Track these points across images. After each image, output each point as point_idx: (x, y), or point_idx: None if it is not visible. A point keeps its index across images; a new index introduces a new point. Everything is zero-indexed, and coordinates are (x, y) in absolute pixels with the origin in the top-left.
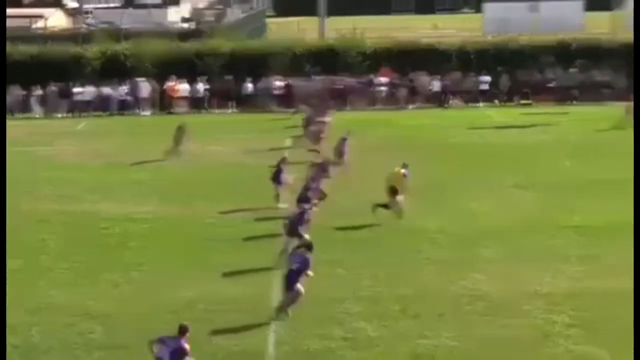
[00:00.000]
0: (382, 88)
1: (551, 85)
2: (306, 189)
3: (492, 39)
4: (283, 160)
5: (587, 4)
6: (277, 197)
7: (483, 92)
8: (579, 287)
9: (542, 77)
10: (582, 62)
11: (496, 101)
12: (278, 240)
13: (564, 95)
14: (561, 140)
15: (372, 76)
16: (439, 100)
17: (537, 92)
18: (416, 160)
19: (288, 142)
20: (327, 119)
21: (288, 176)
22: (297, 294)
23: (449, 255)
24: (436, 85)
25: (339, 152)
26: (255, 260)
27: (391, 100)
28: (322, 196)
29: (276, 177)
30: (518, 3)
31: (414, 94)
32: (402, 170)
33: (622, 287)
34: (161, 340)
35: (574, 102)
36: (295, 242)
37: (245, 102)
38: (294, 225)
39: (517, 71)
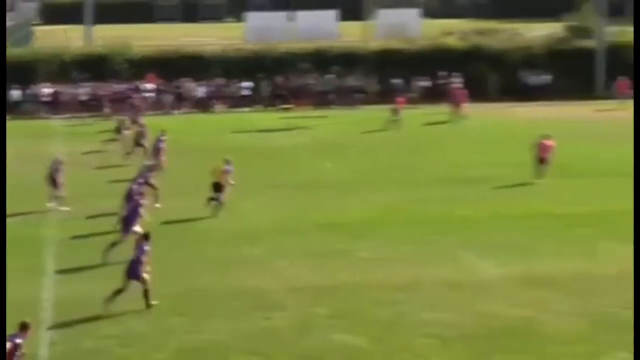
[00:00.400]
0: (149, 94)
1: (311, 89)
2: (133, 188)
3: (253, 46)
4: (57, 162)
5: (340, 14)
6: (52, 199)
7: (245, 97)
8: (336, 281)
9: (301, 83)
10: (338, 68)
11: (258, 106)
12: (50, 242)
13: (321, 100)
14: (321, 142)
15: (138, 82)
16: (204, 105)
17: (297, 97)
18: (185, 164)
19: (100, 146)
20: (142, 121)
21: (62, 178)
22: (144, 281)
23: (217, 253)
24: (201, 91)
25: (156, 152)
26: (28, 263)
27: (158, 105)
28: (153, 193)
29: (51, 180)
30: (277, 13)
31: (180, 100)
32: (225, 167)
33: (373, 280)
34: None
35: (331, 106)
36: (128, 237)
37: (12, 109)
38: (127, 222)
39: (277, 77)
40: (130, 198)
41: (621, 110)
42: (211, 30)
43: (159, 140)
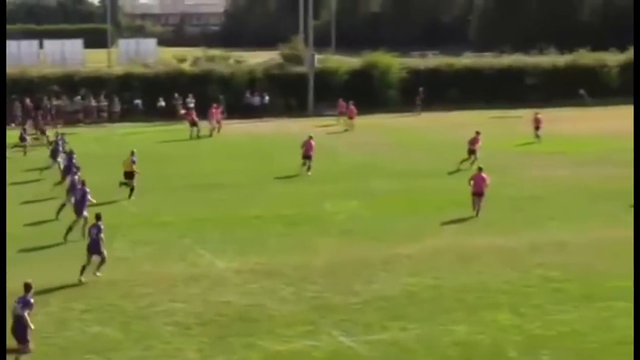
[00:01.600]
0: None
1: (61, 109)
2: (72, 180)
3: (7, 71)
4: None
5: (86, 42)
6: None
7: None
8: (89, 279)
9: (51, 104)
10: (85, 90)
11: (13, 125)
12: None
13: (70, 119)
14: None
15: None
16: None
17: (45, 117)
18: None
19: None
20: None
21: None
22: (104, 256)
23: None
24: None
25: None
26: None
27: None
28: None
29: None
30: (28, 41)
31: None
32: (132, 158)
33: (122, 277)
34: (16, 301)
35: (80, 124)
36: (82, 220)
37: None
38: (80, 207)
39: (29, 99)
40: (75, 188)
41: (338, 126)
42: None
43: (60, 139)
